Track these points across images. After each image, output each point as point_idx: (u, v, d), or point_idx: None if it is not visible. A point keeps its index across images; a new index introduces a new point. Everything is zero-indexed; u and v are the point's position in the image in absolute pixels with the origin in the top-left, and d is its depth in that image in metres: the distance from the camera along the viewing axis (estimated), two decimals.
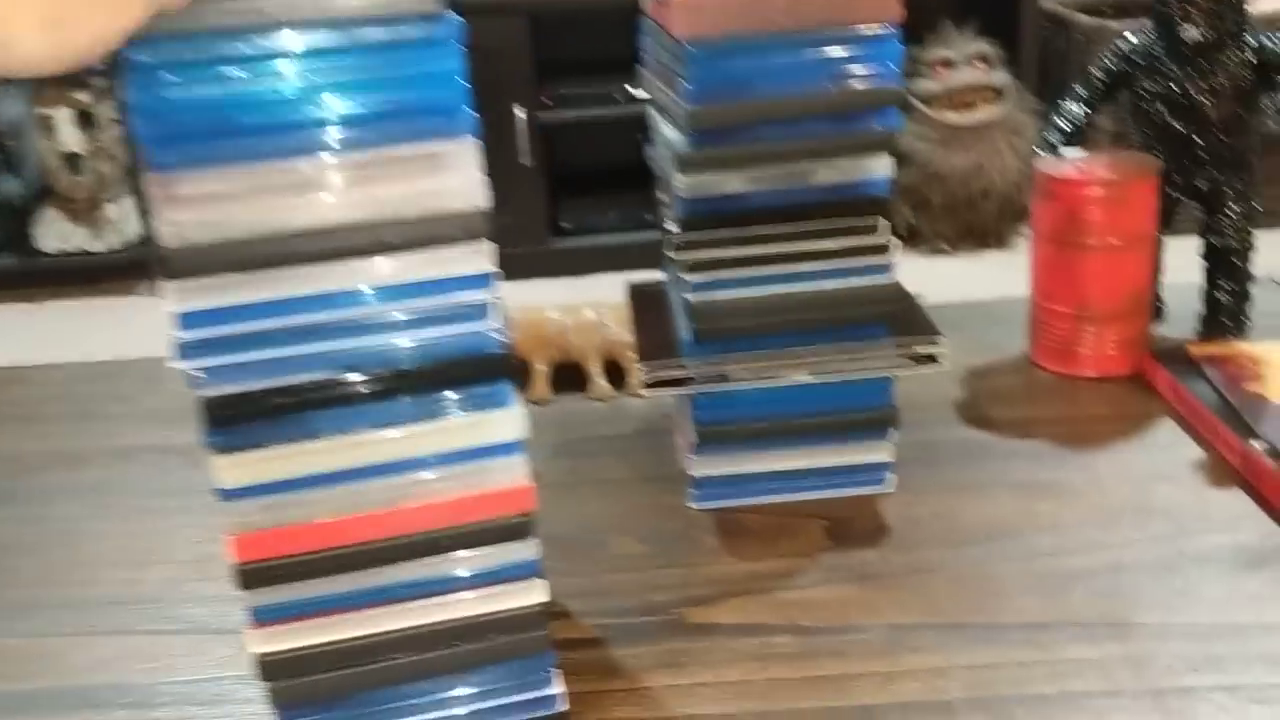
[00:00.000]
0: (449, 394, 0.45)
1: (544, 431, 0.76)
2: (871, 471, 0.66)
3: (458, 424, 0.45)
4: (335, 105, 0.42)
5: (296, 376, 0.44)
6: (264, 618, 0.45)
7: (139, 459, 0.77)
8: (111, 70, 0.40)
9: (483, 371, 0.45)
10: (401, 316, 0.44)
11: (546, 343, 0.82)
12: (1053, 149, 0.82)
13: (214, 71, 0.41)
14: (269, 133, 0.42)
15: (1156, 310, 0.84)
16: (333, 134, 0.42)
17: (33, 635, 0.60)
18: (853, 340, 0.62)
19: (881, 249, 0.61)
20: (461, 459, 0.46)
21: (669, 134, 0.63)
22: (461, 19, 0.42)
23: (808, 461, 0.65)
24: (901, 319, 0.63)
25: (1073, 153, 0.81)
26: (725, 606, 0.58)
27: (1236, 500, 0.64)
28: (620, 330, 0.81)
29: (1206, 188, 0.81)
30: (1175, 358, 0.77)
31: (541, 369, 0.82)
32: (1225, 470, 0.67)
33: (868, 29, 0.58)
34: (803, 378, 0.62)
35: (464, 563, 0.47)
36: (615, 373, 0.82)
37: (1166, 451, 0.70)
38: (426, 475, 0.45)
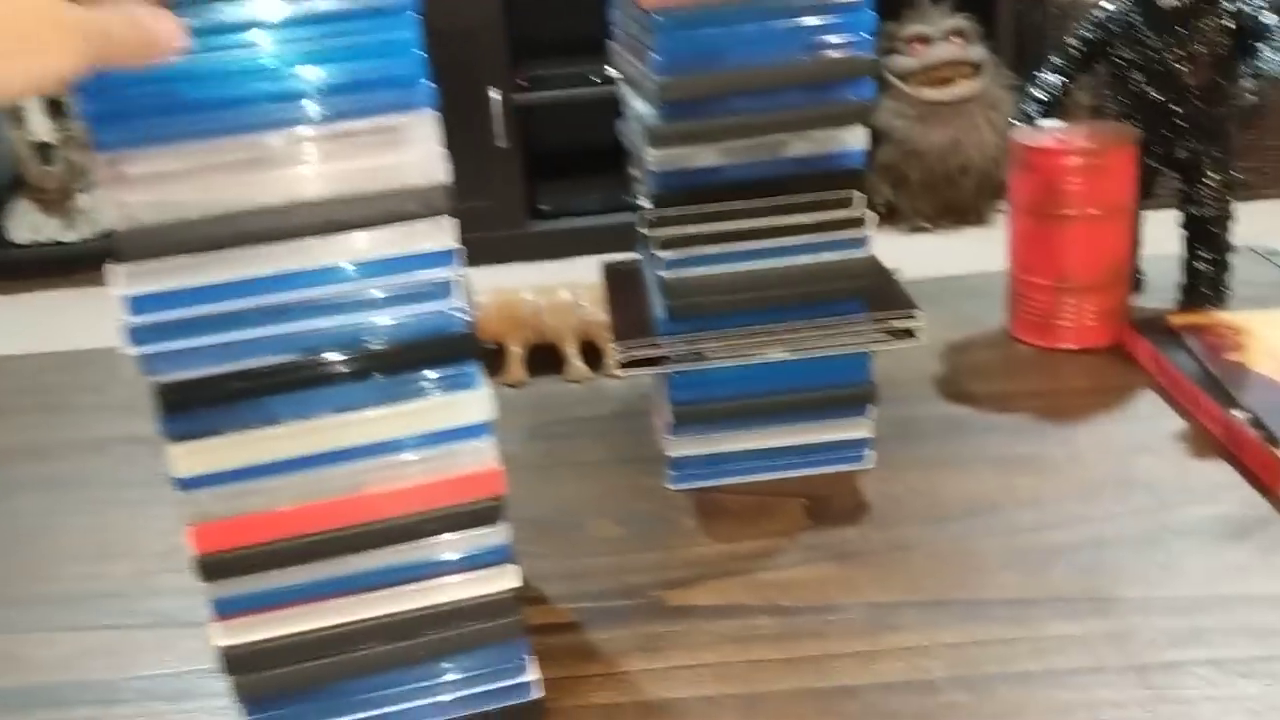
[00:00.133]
0: (413, 376, 0.44)
1: (519, 414, 0.75)
2: (850, 448, 0.65)
3: (423, 406, 0.44)
4: (288, 78, 0.41)
5: (255, 360, 0.42)
6: (227, 609, 0.44)
7: (108, 450, 0.76)
8: None
9: (448, 352, 0.44)
10: (362, 296, 0.42)
11: (521, 324, 0.81)
12: (1030, 120, 0.81)
13: None
14: (220, 108, 0.40)
15: (1136, 281, 0.83)
16: (286, 108, 0.41)
17: None
18: (829, 316, 0.61)
19: (857, 222, 0.60)
20: (428, 442, 0.44)
21: (639, 107, 0.61)
22: None
23: (786, 439, 0.65)
24: (878, 293, 0.62)
25: (1051, 123, 0.80)
26: (704, 588, 0.57)
27: (1219, 470, 0.64)
28: (596, 311, 0.80)
29: (1185, 157, 0.80)
30: (1155, 328, 0.76)
31: (516, 351, 0.80)
32: (1207, 441, 0.66)
33: None
34: (779, 354, 0.61)
35: (432, 549, 0.45)
36: (592, 354, 0.81)
37: (1147, 423, 0.69)
38: (391, 460, 0.44)
